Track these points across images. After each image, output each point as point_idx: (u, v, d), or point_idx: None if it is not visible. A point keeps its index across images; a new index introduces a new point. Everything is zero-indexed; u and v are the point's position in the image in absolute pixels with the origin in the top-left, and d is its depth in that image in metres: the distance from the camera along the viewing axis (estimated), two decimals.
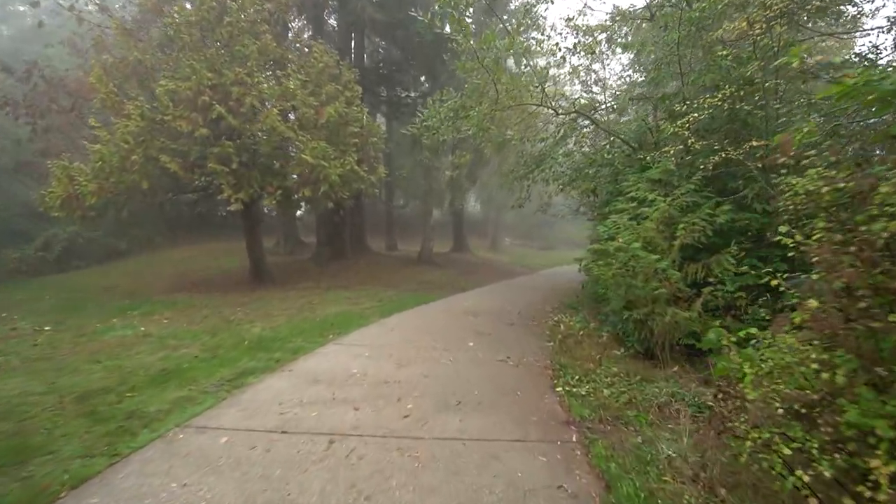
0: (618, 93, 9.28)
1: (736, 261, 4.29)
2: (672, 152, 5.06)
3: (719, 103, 4.76)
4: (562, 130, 8.11)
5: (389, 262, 19.13)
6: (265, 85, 10.58)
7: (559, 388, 4.64)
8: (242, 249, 15.79)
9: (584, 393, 4.50)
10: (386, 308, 9.69)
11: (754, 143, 4.43)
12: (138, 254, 24.03)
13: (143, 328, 7.88)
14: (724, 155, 4.80)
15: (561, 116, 7.96)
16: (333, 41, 18.90)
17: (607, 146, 7.34)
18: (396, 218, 28.51)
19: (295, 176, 12.04)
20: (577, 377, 4.97)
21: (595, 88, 9.22)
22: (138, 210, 21.45)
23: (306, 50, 13.15)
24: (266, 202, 11.31)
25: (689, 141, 4.94)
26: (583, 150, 8.96)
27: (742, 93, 5.14)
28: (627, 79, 11.04)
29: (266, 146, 10.97)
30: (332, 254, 18.98)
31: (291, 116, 11.63)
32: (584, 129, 8.41)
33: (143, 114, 9.91)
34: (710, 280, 4.33)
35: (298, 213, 29.22)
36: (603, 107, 8.44)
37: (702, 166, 4.77)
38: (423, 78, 20.58)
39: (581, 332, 7.00)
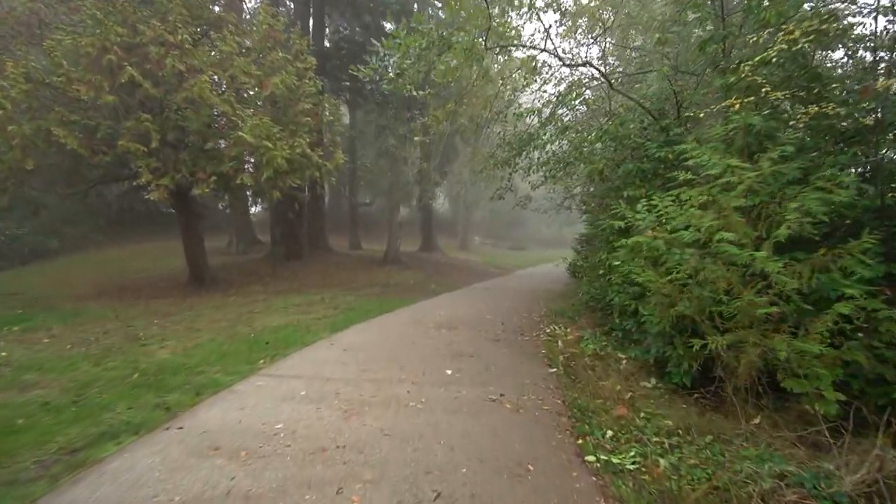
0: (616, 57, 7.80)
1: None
2: (737, 107, 3.54)
3: (823, 24, 3.27)
4: (558, 98, 6.52)
5: (351, 263, 17.25)
6: (191, 45, 8.58)
7: (590, 458, 3.02)
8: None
9: (630, 465, 2.90)
10: (341, 319, 7.91)
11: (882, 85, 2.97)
12: (72, 253, 21.49)
13: (4, 353, 5.83)
14: (818, 108, 3.31)
15: (556, 82, 6.38)
16: (290, 20, 16.88)
17: (618, 117, 5.82)
18: (361, 215, 26.52)
19: (243, 159, 10.09)
20: (609, 432, 3.37)
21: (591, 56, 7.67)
22: (61, 203, 18.95)
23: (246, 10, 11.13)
24: (197, 190, 9.30)
25: (765, 90, 3.45)
26: (575, 130, 7.41)
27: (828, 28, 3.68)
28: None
29: (195, 122, 8.98)
30: (288, 254, 16.97)
31: (225, 85, 9.65)
32: (588, 97, 6.86)
33: (29, 75, 7.78)
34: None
35: (254, 209, 26.96)
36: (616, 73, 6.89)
37: (791, 122, 3.30)
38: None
39: (588, 354, 5.45)
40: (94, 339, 6.69)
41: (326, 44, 20.41)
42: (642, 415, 3.60)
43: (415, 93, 5.51)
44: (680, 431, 3.23)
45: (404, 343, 6.26)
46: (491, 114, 9.45)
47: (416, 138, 10.19)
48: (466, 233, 33.35)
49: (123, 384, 4.53)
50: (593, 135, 5.76)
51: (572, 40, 7.94)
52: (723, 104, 3.67)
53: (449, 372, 4.96)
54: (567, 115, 8.65)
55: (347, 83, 20.06)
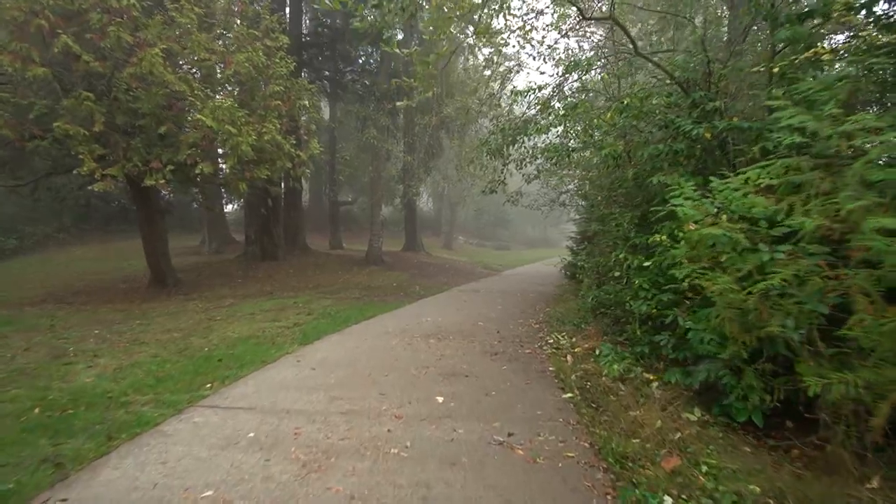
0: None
1: None
2: (825, 57, 2.66)
3: None
4: (568, 66, 5.61)
5: (331, 264, 16.15)
6: (139, 13, 7.44)
7: None
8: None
9: None
10: (313, 328, 6.88)
11: None
12: (32, 253, 20.09)
13: None
14: None
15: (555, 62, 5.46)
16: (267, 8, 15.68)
17: (641, 90, 4.94)
18: (342, 214, 25.33)
19: (203, 146, 8.91)
20: (667, 499, 2.44)
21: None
22: (8, 198, 17.49)
23: None
24: (149, 181, 8.15)
25: (866, 32, 2.59)
26: (585, 108, 6.52)
27: None
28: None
29: (147, 103, 7.84)
30: (263, 253, 15.81)
31: (183, 62, 8.53)
32: (593, 76, 5.97)
33: None
34: None
35: (229, 206, 25.56)
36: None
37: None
38: (369, 49, 17.63)
39: (606, 374, 4.53)
40: (11, 356, 5.55)
41: (305, 31, 19.25)
42: (704, 468, 2.68)
43: (397, 50, 4.55)
44: (770, 502, 2.32)
45: (386, 358, 5.27)
46: (483, 97, 8.53)
47: (398, 104, 9.14)
48: (451, 232, 32.38)
49: (15, 424, 3.46)
50: (611, 112, 4.84)
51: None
52: (806, 55, 2.77)
53: (440, 399, 3.99)
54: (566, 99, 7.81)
55: (327, 73, 18.97)
